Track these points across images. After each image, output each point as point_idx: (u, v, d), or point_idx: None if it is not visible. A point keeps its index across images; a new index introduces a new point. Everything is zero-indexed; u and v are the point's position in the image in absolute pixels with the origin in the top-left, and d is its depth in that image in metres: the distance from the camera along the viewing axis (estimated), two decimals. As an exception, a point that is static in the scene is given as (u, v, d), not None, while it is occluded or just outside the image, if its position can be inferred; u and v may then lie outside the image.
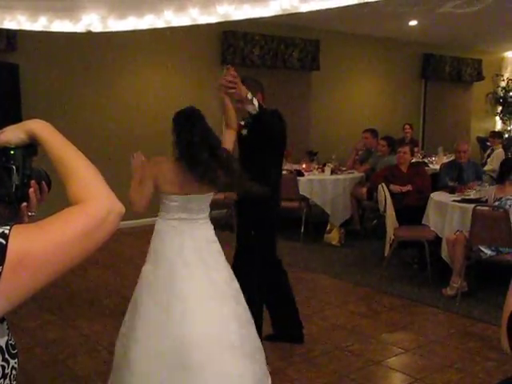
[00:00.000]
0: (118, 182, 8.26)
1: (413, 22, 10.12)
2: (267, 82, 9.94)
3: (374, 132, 8.88)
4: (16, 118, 6.38)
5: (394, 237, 6.36)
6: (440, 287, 5.83)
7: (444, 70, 13.09)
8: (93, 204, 1.24)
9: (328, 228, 7.90)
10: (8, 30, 6.49)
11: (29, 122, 1.37)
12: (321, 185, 8.07)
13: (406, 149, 7.25)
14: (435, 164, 9.80)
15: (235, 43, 9.39)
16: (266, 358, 3.65)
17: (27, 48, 7.39)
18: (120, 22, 4.87)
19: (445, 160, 9.56)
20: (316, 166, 8.70)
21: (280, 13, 4.55)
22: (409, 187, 6.94)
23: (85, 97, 8.20)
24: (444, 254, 5.96)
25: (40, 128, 1.36)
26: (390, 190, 6.68)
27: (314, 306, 5.52)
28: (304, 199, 7.99)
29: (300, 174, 8.12)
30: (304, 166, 8.69)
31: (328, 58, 10.70)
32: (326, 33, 10.49)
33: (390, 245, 6.39)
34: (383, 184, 6.66)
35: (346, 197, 8.19)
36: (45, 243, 1.15)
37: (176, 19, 4.73)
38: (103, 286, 6.10)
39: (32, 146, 1.37)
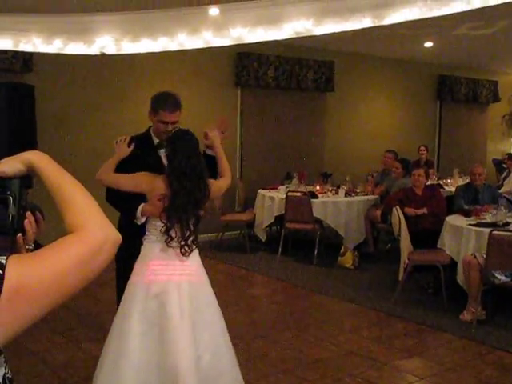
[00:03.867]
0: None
1: (428, 44, 10.08)
2: (281, 103, 9.99)
3: (395, 154, 8.86)
4: (31, 138, 6.41)
5: (408, 261, 6.28)
6: (455, 312, 5.73)
7: (460, 92, 13.02)
8: (88, 232, 1.23)
9: (342, 251, 7.82)
10: (24, 52, 6.53)
11: (26, 153, 1.37)
12: (335, 207, 8.02)
13: (421, 171, 7.18)
14: (450, 186, 9.71)
15: (249, 64, 9.41)
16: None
17: (43, 69, 7.43)
18: (133, 45, 4.88)
19: (460, 182, 9.48)
20: (330, 188, 8.65)
21: (293, 36, 4.54)
22: (424, 210, 6.86)
23: (99, 117, 8.22)
24: (460, 278, 5.87)
25: (37, 158, 1.36)
26: (404, 213, 6.61)
27: (326, 331, 5.44)
28: (317, 221, 7.94)
29: (314, 195, 8.07)
30: (318, 187, 8.64)
31: (343, 79, 10.69)
32: (341, 54, 10.49)
33: (405, 269, 6.30)
34: (397, 207, 6.59)
35: (360, 219, 8.13)
36: (42, 273, 1.14)
37: (189, 42, 4.74)
38: (112, 307, 6.04)
39: (28, 178, 1.36)
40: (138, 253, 3.45)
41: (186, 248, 3.31)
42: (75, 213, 1.28)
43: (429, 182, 7.78)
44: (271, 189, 8.75)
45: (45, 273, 1.14)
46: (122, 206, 3.60)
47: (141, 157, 3.60)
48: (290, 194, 8.00)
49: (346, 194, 8.33)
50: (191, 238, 3.33)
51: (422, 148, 10.82)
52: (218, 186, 3.63)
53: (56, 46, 4.89)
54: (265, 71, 9.62)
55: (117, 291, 3.83)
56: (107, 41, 4.76)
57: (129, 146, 3.55)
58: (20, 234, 1.35)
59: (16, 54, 7.05)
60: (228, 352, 3.44)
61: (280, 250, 8.12)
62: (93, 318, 5.69)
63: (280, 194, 8.33)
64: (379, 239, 8.65)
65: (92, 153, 8.17)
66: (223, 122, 3.96)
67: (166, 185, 3.30)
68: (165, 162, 3.48)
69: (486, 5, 4.15)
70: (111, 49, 4.82)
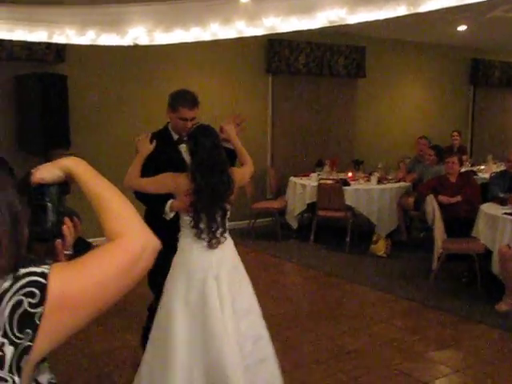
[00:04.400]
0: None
1: (462, 28, 9.89)
2: (312, 89, 9.92)
3: (428, 140, 8.77)
4: (63, 128, 6.47)
5: (442, 249, 6.22)
6: (491, 302, 5.66)
7: (493, 76, 12.79)
8: (129, 241, 1.25)
9: (374, 239, 7.77)
10: (57, 43, 6.57)
11: (64, 159, 1.39)
12: (367, 195, 7.97)
13: (455, 159, 7.08)
14: (484, 173, 9.57)
15: (281, 51, 9.35)
16: (310, 375, 3.60)
17: (75, 59, 7.48)
18: (166, 35, 4.88)
19: (494, 169, 9.33)
20: (362, 175, 8.59)
21: (327, 25, 4.49)
22: (458, 198, 6.76)
23: (132, 107, 8.26)
24: (495, 268, 5.80)
25: (75, 165, 1.37)
26: (438, 201, 6.54)
27: (361, 321, 5.43)
28: (349, 209, 7.90)
29: (346, 183, 8.02)
30: (350, 174, 8.59)
31: (374, 64, 10.56)
32: (372, 39, 10.36)
33: (439, 258, 6.25)
34: (431, 195, 6.52)
35: (392, 207, 8.07)
36: (84, 282, 1.16)
37: (222, 32, 4.72)
38: (144, 298, 6.09)
39: (65, 184, 1.38)
40: (166, 247, 3.51)
41: (215, 240, 3.39)
42: (114, 220, 1.29)
43: (462, 169, 7.68)
44: (303, 176, 8.71)
45: (87, 283, 1.16)
46: (150, 203, 3.70)
47: (162, 153, 3.69)
48: (321, 181, 7.97)
49: (379, 182, 8.26)
50: (219, 231, 3.41)
51: (455, 133, 10.65)
52: (241, 173, 3.73)
53: (89, 37, 4.91)
54: (296, 57, 9.55)
55: (150, 285, 3.89)
56: (140, 32, 4.76)
57: (150, 143, 3.62)
58: (59, 240, 1.36)
59: (49, 45, 7.10)
60: (266, 339, 3.51)
61: (312, 237, 8.11)
62: (128, 308, 5.74)
63: (312, 181, 8.29)
64: (412, 227, 8.58)
65: (124, 143, 8.22)
66: (237, 116, 4.07)
67: (190, 180, 3.37)
68: (185, 156, 3.56)
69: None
70: (144, 39, 4.82)
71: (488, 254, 5.99)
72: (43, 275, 1.11)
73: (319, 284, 6.72)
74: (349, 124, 10.49)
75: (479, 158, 11.00)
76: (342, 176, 8.46)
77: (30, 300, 1.09)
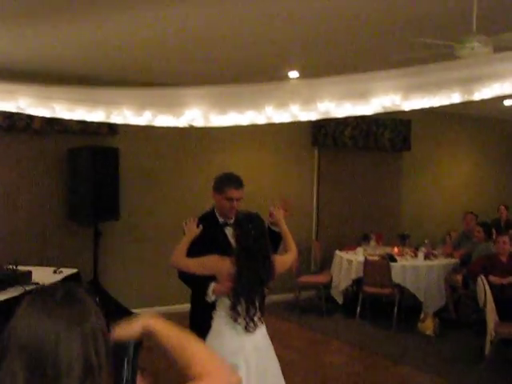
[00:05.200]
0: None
1: (508, 102, 9.89)
2: (358, 162, 9.95)
3: (475, 215, 8.66)
4: (114, 199, 6.66)
5: (495, 333, 6.04)
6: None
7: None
8: (216, 380, 1.39)
9: (422, 316, 7.61)
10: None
11: (141, 317, 1.51)
12: (414, 271, 7.87)
13: (506, 238, 6.96)
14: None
15: (326, 124, 9.43)
16: None
17: (127, 132, 7.65)
18: (221, 117, 4.97)
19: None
20: (408, 250, 8.49)
21: (381, 111, 4.52)
22: (510, 279, 6.61)
23: (178, 182, 8.39)
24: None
25: (154, 322, 1.49)
26: (489, 282, 6.40)
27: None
28: (396, 285, 7.77)
29: (392, 258, 7.93)
30: (396, 249, 8.49)
31: (419, 137, 10.55)
32: (418, 112, 10.35)
33: (491, 342, 6.07)
34: (482, 276, 6.39)
35: (440, 284, 7.93)
36: None
37: (277, 115, 4.79)
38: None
39: (140, 341, 1.46)
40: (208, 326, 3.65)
41: (252, 324, 3.49)
42: (200, 364, 1.41)
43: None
44: (348, 250, 8.65)
45: None
46: (193, 285, 3.90)
47: (208, 234, 3.85)
48: (368, 257, 7.89)
49: (426, 257, 8.15)
50: (257, 315, 3.51)
51: (503, 207, 10.49)
52: (283, 261, 3.83)
53: (146, 118, 5.03)
54: (342, 130, 9.62)
55: None
56: (196, 114, 4.87)
57: (197, 227, 3.78)
58: None
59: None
60: None
61: (358, 313, 7.98)
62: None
63: (358, 256, 8.22)
64: (460, 304, 8.37)
65: (172, 213, 8.32)
66: (286, 201, 4.29)
67: (234, 264, 3.51)
68: (231, 239, 3.73)
69: None
70: (199, 121, 4.92)
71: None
72: None
73: (364, 364, 6.54)
74: (394, 197, 10.44)
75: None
76: (387, 250, 8.37)
77: None
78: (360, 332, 7.58)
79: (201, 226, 3.78)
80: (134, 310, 7.51)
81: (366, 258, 7.87)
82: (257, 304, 3.51)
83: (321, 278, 8.61)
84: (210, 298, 3.66)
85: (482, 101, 10.12)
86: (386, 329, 7.64)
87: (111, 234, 7.69)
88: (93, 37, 5.79)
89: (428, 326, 7.52)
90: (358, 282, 8.10)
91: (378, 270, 7.76)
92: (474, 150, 11.70)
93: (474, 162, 11.75)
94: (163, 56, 6.66)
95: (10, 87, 4.86)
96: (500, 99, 9.64)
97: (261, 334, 3.61)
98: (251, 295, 3.49)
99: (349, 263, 8.23)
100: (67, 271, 5.60)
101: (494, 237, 7.99)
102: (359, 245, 8.78)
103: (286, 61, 6.82)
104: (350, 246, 8.83)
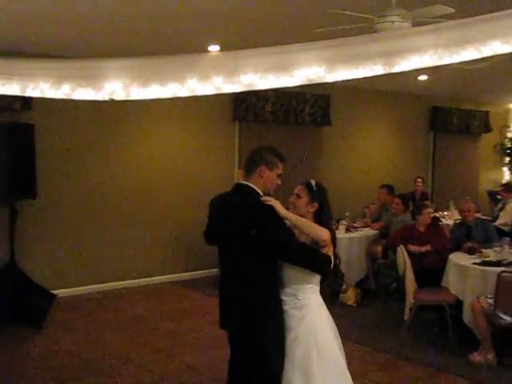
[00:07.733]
0: (135, 236, 8.12)
1: (422, 77, 10.16)
2: (279, 137, 9.99)
3: (390, 188, 8.83)
4: (31, 177, 6.40)
5: (414, 300, 6.24)
6: (463, 352, 5.69)
7: (452, 123, 13.14)
8: None
9: (343, 287, 7.77)
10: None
11: None
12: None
13: (429, 210, 7.21)
14: (448, 219, 9.73)
15: (247, 99, 9.42)
16: None
17: (42, 107, 7.36)
18: (143, 90, 4.85)
19: (457, 215, 9.49)
20: (329, 223, 8.60)
21: (306, 82, 4.51)
22: (427, 247, 6.84)
23: (99, 156, 8.19)
24: (466, 319, 5.84)
25: None
26: (407, 251, 6.59)
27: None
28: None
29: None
30: (317, 223, 8.58)
31: (339, 112, 10.72)
32: (337, 88, 10.52)
33: (410, 308, 6.27)
34: (402, 246, 6.58)
35: (361, 255, 8.09)
36: None
37: (200, 88, 4.71)
38: (119, 353, 5.91)
39: None
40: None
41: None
42: None
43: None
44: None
45: None
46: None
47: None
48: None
49: (347, 230, 8.29)
50: None
51: (419, 180, 10.82)
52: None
53: (64, 91, 4.83)
54: (262, 106, 9.63)
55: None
56: (116, 87, 4.73)
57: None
58: None
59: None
60: None
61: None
62: (99, 365, 5.56)
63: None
64: (379, 274, 8.60)
65: (92, 190, 8.13)
66: None
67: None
68: None
69: (496, 53, 4.15)
70: (120, 94, 4.78)
71: (459, 303, 6.05)
72: None
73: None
74: (314, 171, 10.54)
75: (440, 204, 11.19)
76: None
77: None
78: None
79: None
80: (54, 291, 7.31)
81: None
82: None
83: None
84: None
85: (399, 77, 10.36)
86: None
87: (28, 213, 7.42)
88: None
89: (350, 296, 7.70)
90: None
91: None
92: (391, 124, 12.01)
93: (391, 137, 12.06)
94: (85, 29, 6.42)
95: None
96: (415, 75, 9.90)
97: None
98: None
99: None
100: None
101: (410, 208, 8.24)
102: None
103: (206, 35, 6.73)
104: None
